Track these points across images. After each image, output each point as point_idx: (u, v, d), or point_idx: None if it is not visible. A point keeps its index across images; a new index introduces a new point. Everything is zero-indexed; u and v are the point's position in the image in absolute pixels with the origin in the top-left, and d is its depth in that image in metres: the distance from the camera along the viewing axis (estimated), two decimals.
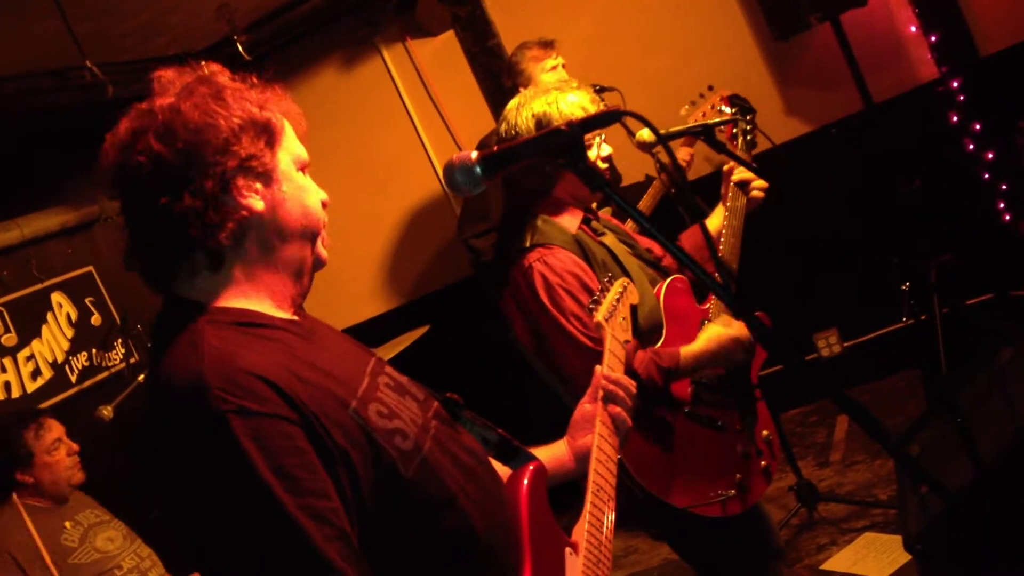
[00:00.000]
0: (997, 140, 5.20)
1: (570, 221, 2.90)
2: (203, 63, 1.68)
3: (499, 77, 5.22)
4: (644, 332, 2.82)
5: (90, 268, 5.23)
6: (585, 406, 2.04)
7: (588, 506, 1.81)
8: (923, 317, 4.53)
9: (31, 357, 4.72)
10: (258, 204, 1.59)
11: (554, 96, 2.81)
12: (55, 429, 3.82)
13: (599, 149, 2.92)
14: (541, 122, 2.78)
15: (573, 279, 2.76)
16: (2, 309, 4.69)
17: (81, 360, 4.99)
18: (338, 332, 1.83)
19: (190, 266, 1.59)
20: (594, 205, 3.05)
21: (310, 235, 1.67)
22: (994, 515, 2.91)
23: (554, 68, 4.58)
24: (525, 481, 1.79)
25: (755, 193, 3.15)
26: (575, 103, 2.80)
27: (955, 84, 5.21)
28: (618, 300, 2.38)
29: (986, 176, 5.25)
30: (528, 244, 2.83)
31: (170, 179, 1.54)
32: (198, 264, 1.59)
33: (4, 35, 4.02)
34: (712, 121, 2.92)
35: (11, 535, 3.61)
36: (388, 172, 6.27)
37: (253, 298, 1.62)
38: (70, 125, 5.09)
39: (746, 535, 2.92)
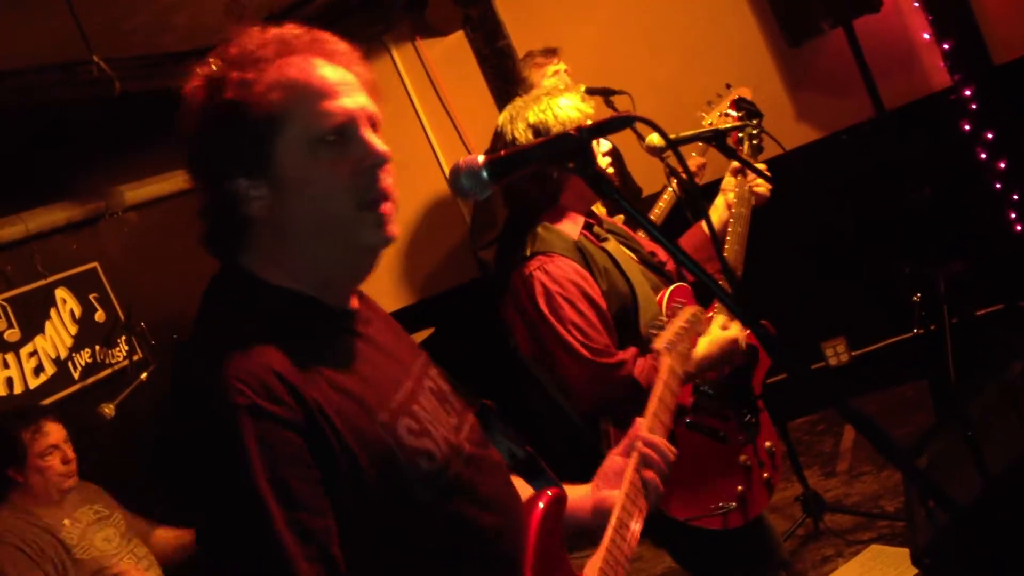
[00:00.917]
0: (1010, 149, 5.17)
1: (572, 227, 2.87)
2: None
3: (509, 78, 5.20)
4: (646, 339, 2.80)
5: (95, 264, 5.20)
6: (616, 458, 1.95)
7: (603, 551, 1.72)
8: (932, 327, 4.48)
9: (34, 353, 4.69)
10: (259, 207, 1.54)
11: (545, 102, 2.79)
12: (52, 434, 3.77)
13: (599, 145, 2.90)
14: (539, 130, 2.76)
15: (573, 287, 2.73)
16: (5, 304, 4.66)
17: (84, 357, 4.95)
18: (393, 324, 1.78)
19: (251, 240, 1.57)
20: (603, 210, 3.02)
21: (342, 227, 1.56)
22: (1003, 528, 2.88)
23: (555, 74, 4.57)
24: (540, 505, 1.72)
25: (759, 190, 3.13)
26: (569, 105, 2.78)
27: (968, 92, 5.18)
28: (684, 330, 2.30)
29: (998, 185, 5.22)
30: (528, 252, 2.80)
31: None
32: (259, 239, 1.56)
33: (12, 30, 4.00)
34: (722, 127, 2.90)
35: (17, 530, 3.59)
36: (396, 172, 6.21)
37: (305, 282, 1.57)
38: (77, 120, 5.09)
39: (748, 547, 2.88)
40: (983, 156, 5.21)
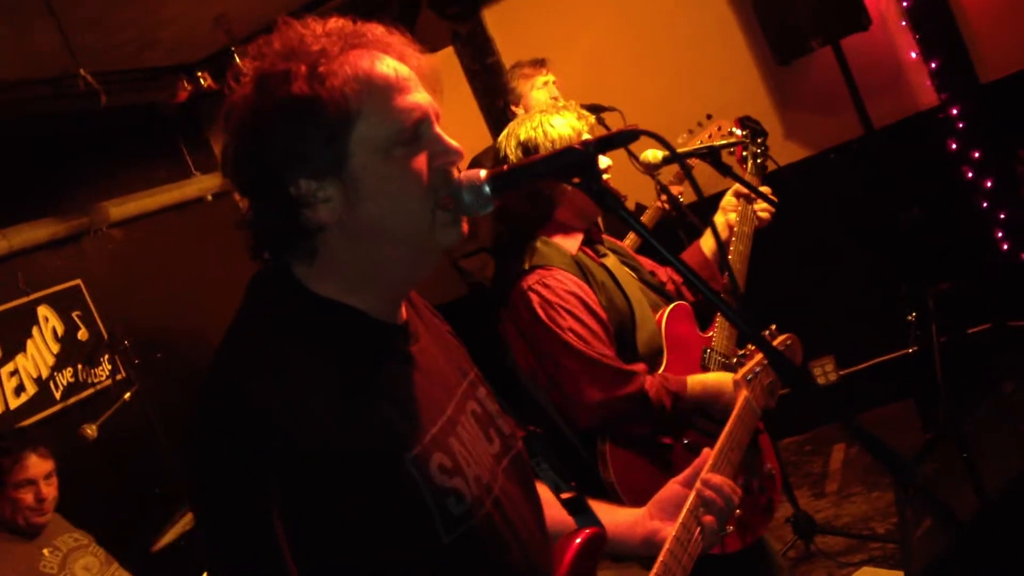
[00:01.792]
0: (996, 168, 5.17)
1: (570, 242, 2.84)
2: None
3: (497, 95, 5.18)
4: (643, 358, 2.76)
5: (78, 281, 5.13)
6: (676, 487, 1.89)
7: None
8: (920, 347, 4.48)
9: (15, 372, 4.62)
10: (325, 211, 1.43)
11: (538, 120, 2.77)
12: (32, 468, 3.68)
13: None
14: (527, 147, 2.74)
15: (573, 299, 2.70)
16: None
17: (66, 376, 4.88)
18: (443, 336, 1.70)
19: (305, 248, 1.46)
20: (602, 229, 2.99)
21: (418, 228, 1.47)
22: (1000, 549, 2.85)
23: (544, 85, 4.54)
24: (577, 541, 1.66)
25: (761, 215, 3.10)
26: (562, 124, 2.75)
27: (955, 111, 5.19)
28: (765, 366, 2.22)
29: (984, 204, 5.22)
30: (527, 266, 2.77)
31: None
32: (314, 247, 1.46)
33: None
34: (719, 143, 2.88)
35: None
36: None
37: (359, 294, 1.48)
38: (61, 135, 5.04)
39: (747, 572, 2.84)
40: (970, 175, 5.22)
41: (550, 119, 2.77)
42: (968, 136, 5.18)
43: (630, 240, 4.11)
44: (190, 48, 5.21)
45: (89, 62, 4.22)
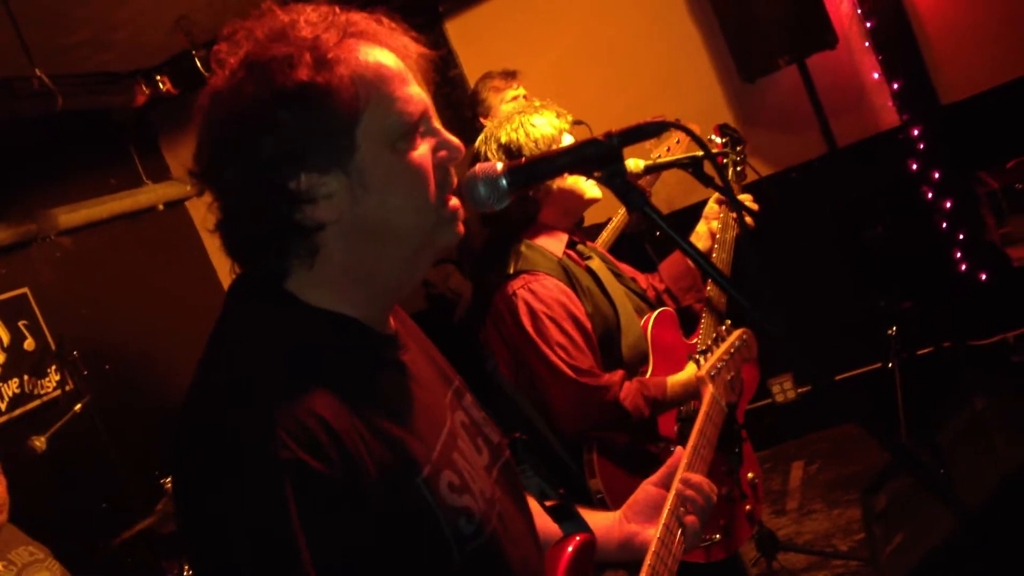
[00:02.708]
0: (956, 189, 5.22)
1: (555, 245, 2.79)
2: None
3: (460, 107, 5.13)
4: (628, 363, 2.72)
5: (25, 290, 4.98)
6: (650, 488, 1.81)
7: None
8: (895, 362, 4.50)
9: None
10: (326, 208, 1.34)
11: (518, 121, 2.72)
12: None
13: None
14: (510, 149, 2.68)
15: (559, 307, 2.65)
16: None
17: (12, 387, 4.72)
18: (426, 345, 1.60)
19: (295, 250, 1.35)
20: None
21: (420, 226, 1.39)
22: (979, 565, 2.85)
23: (515, 99, 4.50)
24: (569, 549, 1.61)
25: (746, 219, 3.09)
26: (543, 124, 2.71)
27: (916, 132, 5.23)
28: (730, 355, 2.18)
29: (944, 225, 5.26)
30: (512, 271, 2.71)
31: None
32: (306, 249, 1.35)
33: None
34: (701, 153, 2.84)
35: None
36: None
37: (350, 300, 1.39)
38: (9, 139, 4.89)
39: None
40: (930, 195, 5.26)
41: (530, 119, 2.72)
42: (928, 157, 5.23)
43: (601, 242, 4.07)
44: (147, 52, 5.10)
45: (44, 63, 4.10)
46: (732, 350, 2.20)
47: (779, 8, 4.75)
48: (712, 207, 3.13)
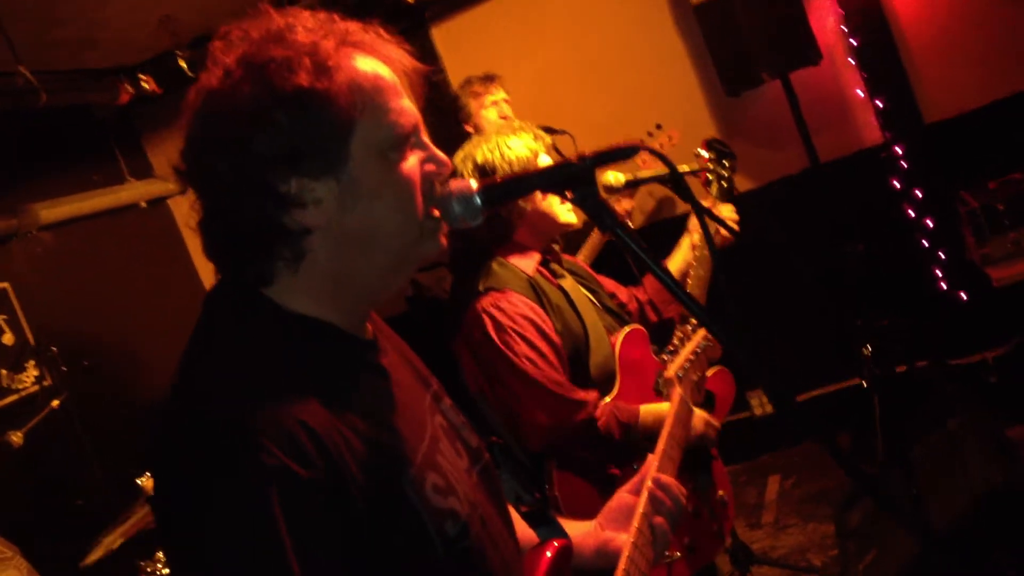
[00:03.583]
0: (938, 208, 5.24)
1: (527, 263, 2.81)
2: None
3: (444, 112, 5.13)
4: (596, 381, 2.73)
5: (5, 285, 4.96)
6: (624, 495, 1.84)
7: None
8: (870, 380, 4.51)
9: None
10: (315, 214, 1.35)
11: (495, 142, 2.76)
12: None
13: None
14: (485, 170, 2.72)
15: (526, 323, 2.67)
16: None
17: None
18: (405, 350, 1.62)
19: (278, 255, 1.36)
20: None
21: (406, 236, 1.41)
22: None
23: (495, 104, 4.50)
24: (548, 554, 1.63)
25: (723, 232, 3.10)
26: (519, 146, 2.74)
27: (899, 150, 5.25)
28: (696, 356, 2.18)
29: (925, 243, 5.29)
30: (481, 288, 2.74)
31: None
32: (290, 254, 1.36)
33: None
34: (686, 169, 2.86)
35: None
36: None
37: (330, 305, 1.39)
38: None
39: None
40: (911, 213, 5.29)
41: (506, 140, 2.74)
42: (911, 175, 5.25)
43: (584, 256, 4.08)
44: (131, 50, 5.09)
45: (28, 60, 4.09)
46: (698, 350, 2.21)
47: (764, 23, 4.76)
48: (695, 220, 3.14)
